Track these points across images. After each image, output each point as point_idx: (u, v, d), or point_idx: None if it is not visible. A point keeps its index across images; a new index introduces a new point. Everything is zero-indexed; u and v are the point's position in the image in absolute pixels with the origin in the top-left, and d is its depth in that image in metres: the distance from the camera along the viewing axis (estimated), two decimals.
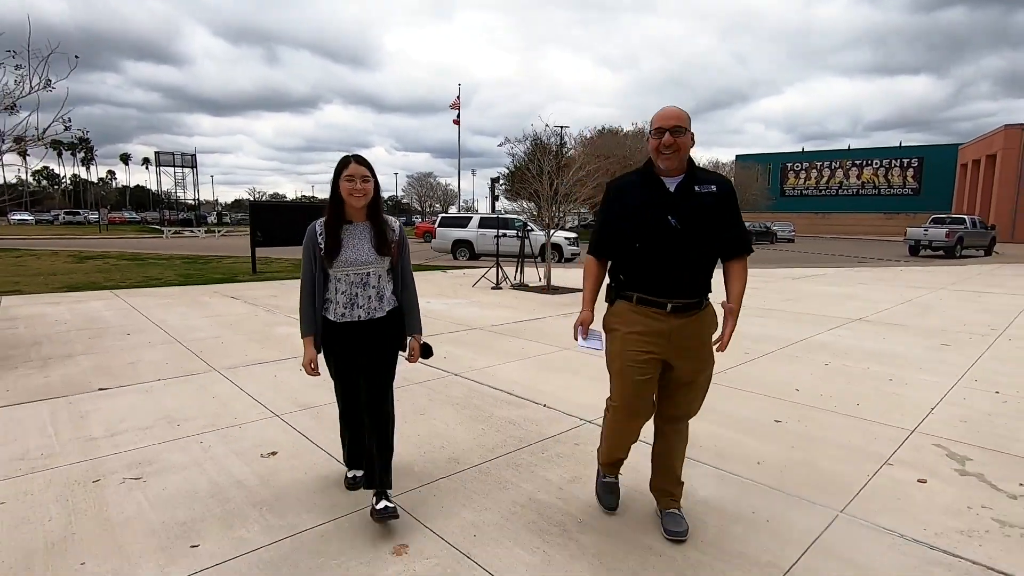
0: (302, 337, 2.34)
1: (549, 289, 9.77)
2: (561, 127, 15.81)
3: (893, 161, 56.17)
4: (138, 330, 6.02)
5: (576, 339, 2.27)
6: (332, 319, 2.31)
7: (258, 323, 6.61)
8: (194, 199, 51.04)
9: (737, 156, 66.83)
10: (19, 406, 3.61)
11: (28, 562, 2.00)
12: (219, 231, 39.53)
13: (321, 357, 2.37)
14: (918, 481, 2.72)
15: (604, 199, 2.25)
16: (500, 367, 4.72)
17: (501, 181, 29.23)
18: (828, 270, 14.97)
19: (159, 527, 2.24)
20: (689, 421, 2.33)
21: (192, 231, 37.22)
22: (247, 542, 2.15)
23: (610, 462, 2.43)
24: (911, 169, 54.95)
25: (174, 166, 44.68)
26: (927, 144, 60.81)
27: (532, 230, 13.20)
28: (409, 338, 2.45)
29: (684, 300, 2.11)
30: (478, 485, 2.65)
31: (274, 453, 2.96)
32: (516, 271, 10.79)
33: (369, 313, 2.31)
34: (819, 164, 61.58)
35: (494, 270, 10.67)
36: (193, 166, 48.38)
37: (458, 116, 32.84)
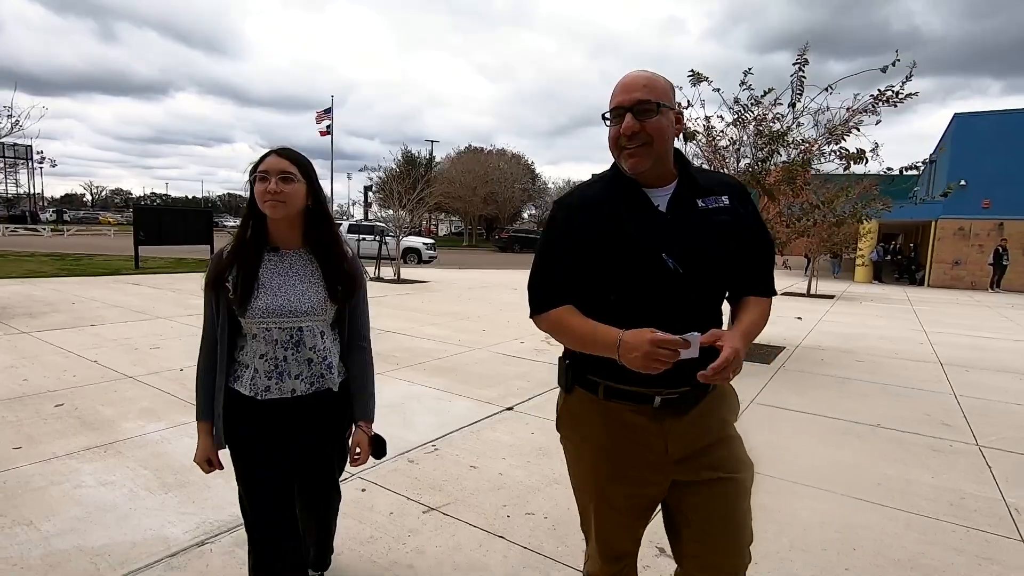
0: (197, 421, 1.56)
1: (399, 280, 13.03)
2: (431, 141, 19.17)
3: None
4: (80, 300, 8.23)
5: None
6: (247, 394, 1.52)
7: (173, 296, 9.05)
8: (27, 194, 46.31)
9: (593, 174, 75.09)
10: (53, 331, 6.06)
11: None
12: (67, 230, 37.08)
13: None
14: None
15: (549, 227, 1.36)
16: None
17: (374, 189, 31.41)
18: None
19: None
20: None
21: (34, 229, 34.65)
22: None
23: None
24: None
25: (3, 157, 40.65)
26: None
27: (391, 235, 16.22)
28: (355, 426, 1.66)
29: (682, 388, 1.25)
30: None
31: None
32: (375, 268, 13.89)
33: (312, 383, 1.55)
34: None
35: None
36: (28, 158, 44.23)
37: (328, 128, 34.61)
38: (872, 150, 5.18)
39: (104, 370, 4.65)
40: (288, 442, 1.57)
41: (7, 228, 32.79)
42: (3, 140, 7.84)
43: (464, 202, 38.76)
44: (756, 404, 4.43)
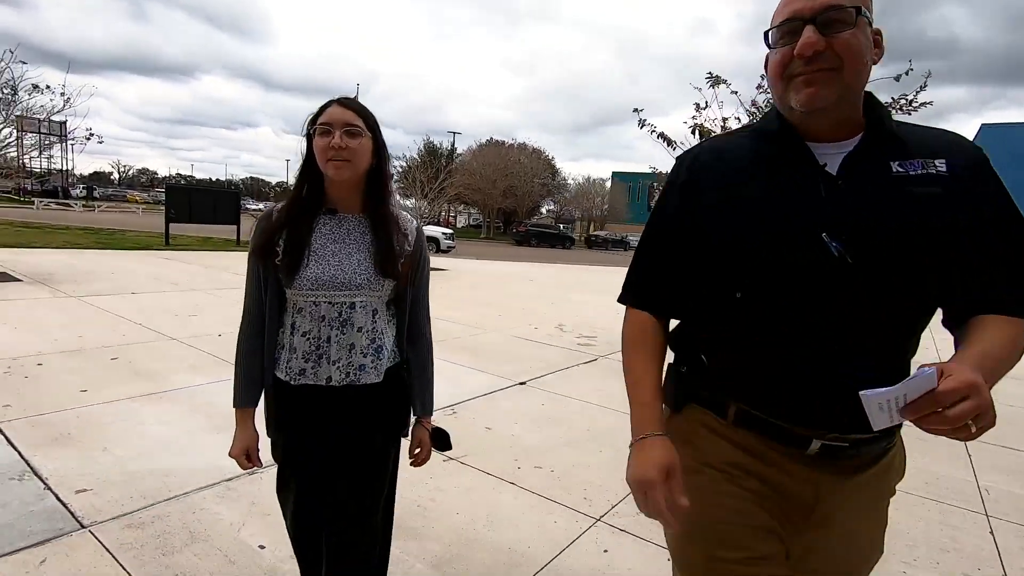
0: (234, 408, 1.41)
1: None
2: (454, 133, 19.69)
3: None
4: (118, 271, 8.70)
5: None
6: (283, 378, 1.34)
7: (204, 272, 9.49)
8: (59, 170, 47.68)
9: (613, 173, 75.08)
10: (99, 296, 6.50)
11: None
12: (97, 206, 38.23)
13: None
14: None
15: (662, 193, 1.06)
16: None
17: (396, 178, 32.03)
18: None
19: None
20: None
21: (66, 204, 35.78)
22: None
23: None
24: None
25: (39, 133, 41.76)
26: None
27: None
28: (415, 421, 1.50)
29: (851, 436, 0.90)
30: None
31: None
32: None
33: (349, 374, 1.32)
34: None
35: None
36: (62, 135, 45.45)
37: None
38: None
39: (150, 332, 5.05)
40: (323, 437, 1.34)
41: (41, 202, 33.87)
42: (53, 118, 8.30)
43: (483, 194, 39.13)
44: None
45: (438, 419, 3.65)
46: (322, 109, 1.29)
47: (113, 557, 1.93)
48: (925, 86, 5.34)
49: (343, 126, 1.25)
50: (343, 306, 1.31)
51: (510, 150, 43.07)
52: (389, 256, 1.33)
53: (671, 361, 1.08)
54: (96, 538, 2.03)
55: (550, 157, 49.76)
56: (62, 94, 7.58)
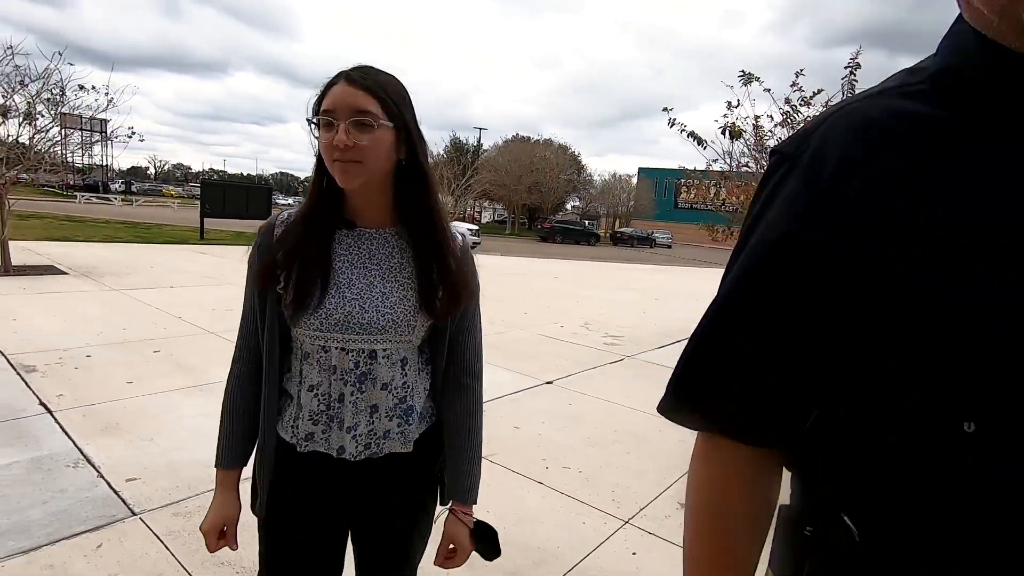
0: (216, 468, 1.07)
1: None
2: (480, 129, 19.91)
3: None
4: (156, 265, 9.01)
5: None
6: (287, 439, 1.02)
7: (238, 266, 9.74)
8: (99, 165, 49.46)
9: (640, 168, 74.57)
10: (140, 290, 6.75)
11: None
12: (135, 200, 39.58)
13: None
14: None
15: (780, 187, 0.51)
16: None
17: None
18: (667, 267, 20.01)
19: None
20: None
21: (106, 198, 37.09)
22: None
23: None
24: None
25: (81, 129, 43.50)
26: None
27: None
28: (450, 508, 1.09)
29: None
30: None
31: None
32: None
33: (367, 447, 1.00)
34: (707, 183, 69.98)
35: None
36: (102, 131, 47.19)
37: None
38: None
39: (189, 325, 5.23)
40: (337, 507, 1.05)
41: (83, 196, 35.16)
42: (98, 116, 8.60)
43: (509, 190, 39.16)
44: None
45: None
46: (326, 89, 0.92)
47: (163, 544, 2.04)
48: None
49: (350, 114, 0.89)
50: (361, 354, 0.97)
51: (535, 146, 43.00)
52: (425, 287, 0.99)
53: (786, 510, 0.59)
54: (147, 525, 2.14)
55: (576, 152, 49.52)
56: (106, 93, 7.82)
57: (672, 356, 6.74)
